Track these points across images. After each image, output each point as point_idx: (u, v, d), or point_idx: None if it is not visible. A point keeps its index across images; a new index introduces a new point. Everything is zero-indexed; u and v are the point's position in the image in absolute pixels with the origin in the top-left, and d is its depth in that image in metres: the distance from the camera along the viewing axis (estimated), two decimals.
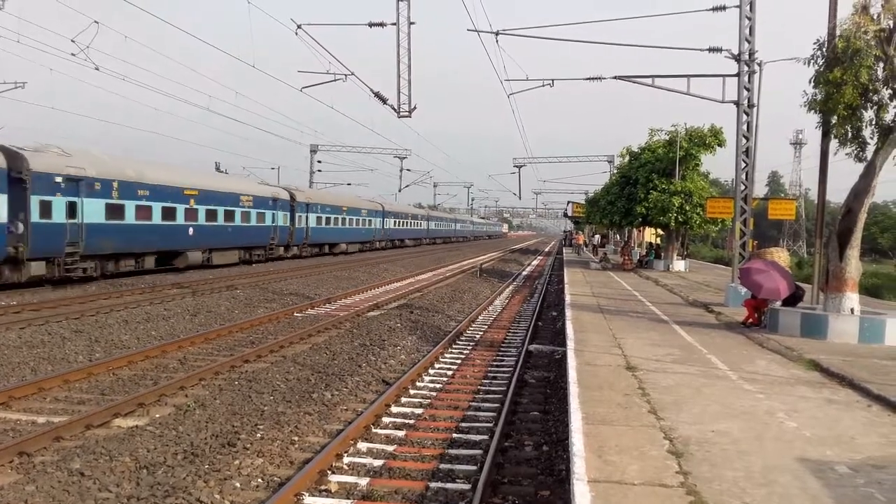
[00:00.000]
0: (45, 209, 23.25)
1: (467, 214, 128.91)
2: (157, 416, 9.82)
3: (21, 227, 22.32)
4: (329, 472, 7.83)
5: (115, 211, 26.80)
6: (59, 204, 23.86)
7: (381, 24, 21.99)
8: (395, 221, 71.54)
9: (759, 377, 10.22)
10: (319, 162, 69.22)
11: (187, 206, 32.27)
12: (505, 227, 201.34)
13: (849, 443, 7.09)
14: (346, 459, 8.30)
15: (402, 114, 22.37)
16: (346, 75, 25.52)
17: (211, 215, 34.36)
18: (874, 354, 12.15)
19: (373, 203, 65.33)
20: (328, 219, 51.00)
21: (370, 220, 63.51)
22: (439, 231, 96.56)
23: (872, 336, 13.43)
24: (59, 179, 23.84)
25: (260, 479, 7.63)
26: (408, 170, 73.02)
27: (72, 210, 24.42)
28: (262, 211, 40.05)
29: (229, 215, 36.21)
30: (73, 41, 23.46)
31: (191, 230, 32.65)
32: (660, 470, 6.07)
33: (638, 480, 5.80)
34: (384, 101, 23.07)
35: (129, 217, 27.75)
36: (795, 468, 6.24)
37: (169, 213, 30.65)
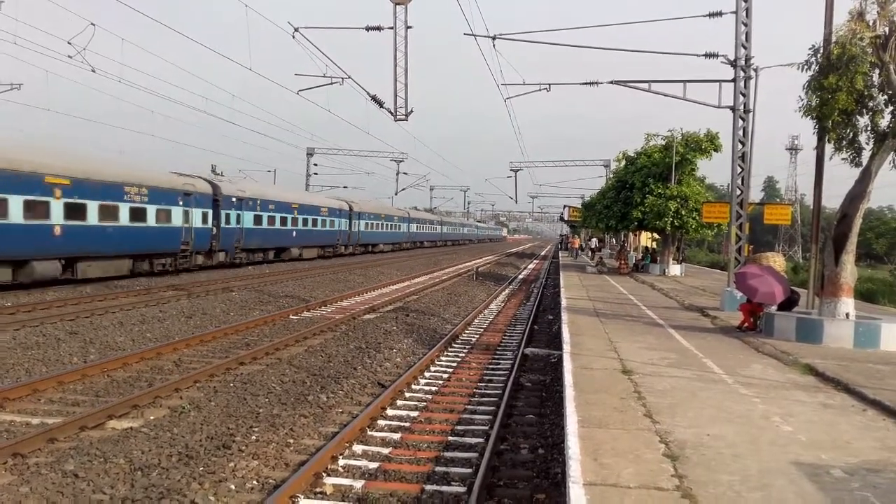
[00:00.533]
0: (227, 219, 35.89)
1: (462, 218, 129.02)
2: (152, 417, 9.79)
3: (214, 230, 34.53)
4: (324, 475, 7.82)
5: (258, 220, 39.92)
6: (233, 215, 36.60)
7: (379, 28, 22.01)
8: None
9: (755, 381, 10.24)
10: (316, 165, 69.26)
11: (293, 216, 45.28)
12: (505, 231, 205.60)
13: (844, 447, 7.10)
14: (341, 462, 8.29)
15: (398, 117, 22.38)
16: (342, 79, 25.54)
17: (305, 222, 47.21)
18: (869, 359, 12.17)
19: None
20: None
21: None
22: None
23: (868, 341, 13.45)
24: (233, 199, 36.58)
25: (255, 482, 7.62)
26: (404, 173, 73.10)
27: (238, 219, 37.12)
28: (333, 219, 53.41)
29: (314, 222, 49.18)
30: (69, 43, 23.42)
31: (294, 233, 45.76)
32: (655, 473, 6.07)
33: (633, 484, 5.80)
34: (381, 104, 23.08)
35: (265, 223, 40.92)
36: (791, 472, 6.25)
37: (283, 221, 43.70)
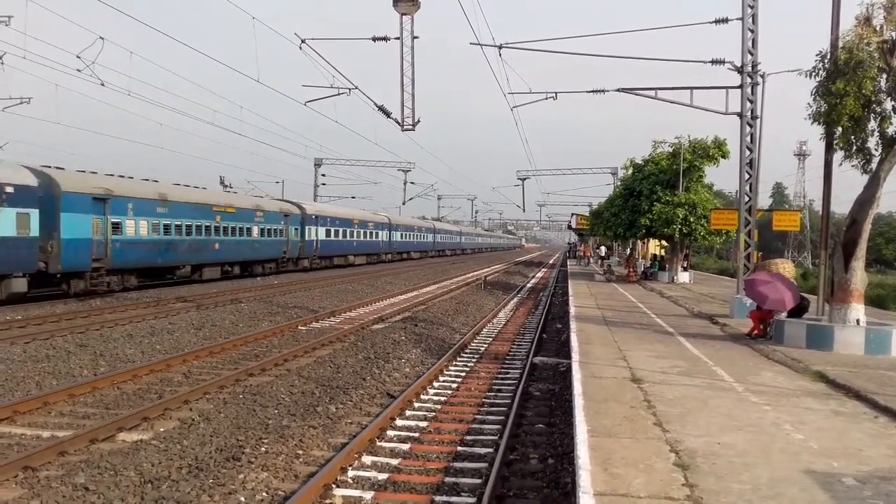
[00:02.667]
0: (310, 232, 47.78)
1: (479, 228, 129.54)
2: (162, 430, 9.81)
3: (299, 242, 46.03)
4: (334, 486, 7.81)
5: (328, 233, 51.35)
6: (312, 230, 48.27)
7: (385, 39, 22.03)
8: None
9: (766, 389, 10.18)
10: (324, 175, 69.45)
11: (353, 230, 56.79)
12: (523, 241, 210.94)
13: (856, 455, 7.05)
14: (350, 473, 8.28)
15: (405, 127, 22.36)
16: (349, 89, 25.58)
17: (360, 234, 58.15)
18: (880, 366, 12.09)
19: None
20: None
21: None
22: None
23: (879, 347, 13.37)
24: (314, 217, 48.74)
25: (265, 493, 7.61)
26: (412, 183, 73.22)
27: (315, 233, 48.60)
28: (378, 231, 62.84)
29: (366, 234, 59.64)
30: (78, 57, 23.59)
31: (354, 243, 57.16)
32: (666, 483, 6.04)
33: (644, 493, 5.77)
34: (388, 114, 23.11)
35: (332, 235, 52.21)
36: (802, 480, 6.20)
37: (345, 234, 54.58)
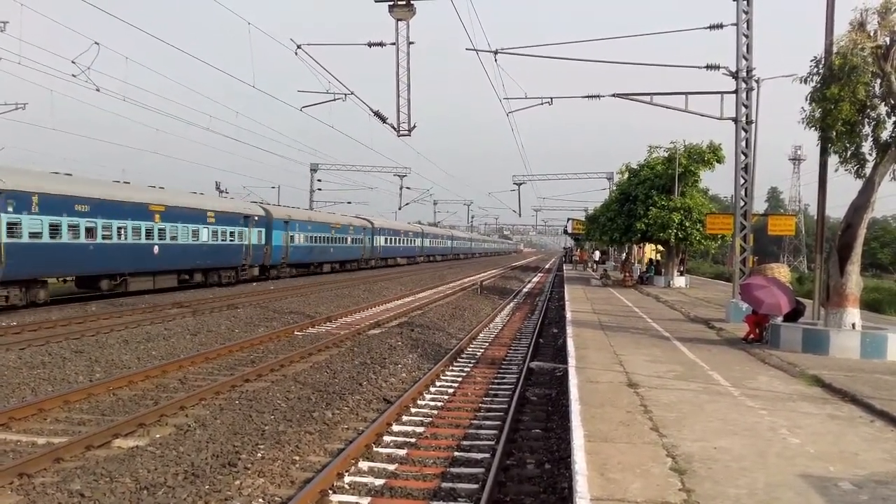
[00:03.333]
0: (376, 241, 62.97)
1: (465, 232, 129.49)
2: (158, 436, 9.79)
3: (369, 247, 61.30)
4: (330, 492, 7.80)
5: (386, 241, 65.64)
6: (376, 238, 63.76)
7: (381, 44, 22.04)
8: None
9: (762, 393, 10.20)
10: (319, 181, 69.43)
11: (406, 237, 71.46)
12: (521, 246, 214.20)
13: (852, 459, 7.06)
14: (347, 479, 8.26)
15: (401, 133, 22.38)
16: (345, 95, 25.59)
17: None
18: (876, 370, 12.11)
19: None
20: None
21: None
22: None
23: (874, 351, 13.40)
24: (377, 228, 63.75)
25: (261, 500, 7.60)
26: (408, 188, 73.19)
27: (375, 240, 62.90)
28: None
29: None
30: (73, 62, 23.57)
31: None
32: (662, 487, 6.04)
33: (641, 498, 5.78)
34: (384, 120, 23.12)
35: (387, 242, 65.60)
36: (799, 485, 6.21)
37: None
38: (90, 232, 26.47)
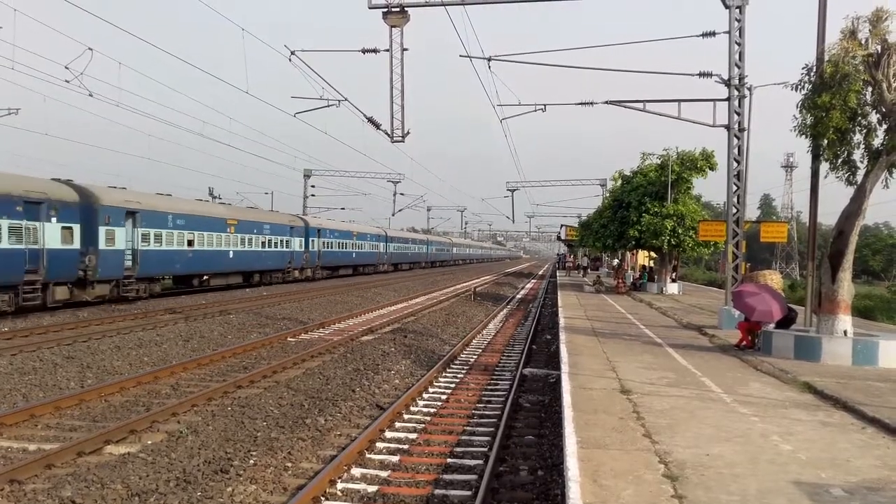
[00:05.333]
0: (388, 248, 71.13)
1: (461, 239, 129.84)
2: (150, 442, 9.75)
3: (384, 253, 70.16)
4: (323, 499, 7.78)
5: (397, 248, 73.95)
6: (389, 246, 71.87)
7: (375, 51, 22.07)
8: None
9: (754, 400, 10.22)
10: (313, 187, 69.37)
11: (414, 245, 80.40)
12: (522, 252, 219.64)
13: (844, 465, 7.08)
14: (339, 485, 8.25)
15: (395, 139, 22.39)
16: (339, 101, 25.61)
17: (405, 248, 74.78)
18: (868, 376, 12.16)
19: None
20: None
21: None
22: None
23: (866, 358, 13.45)
24: (390, 237, 73.10)
25: None
26: (401, 194, 73.22)
27: (388, 247, 70.80)
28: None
29: (416, 247, 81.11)
30: (66, 68, 23.51)
31: (423, 254, 79.00)
32: (655, 494, 6.05)
33: None
34: (377, 126, 23.12)
35: (396, 249, 71.13)
36: (791, 491, 6.23)
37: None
38: (190, 242, 33.98)
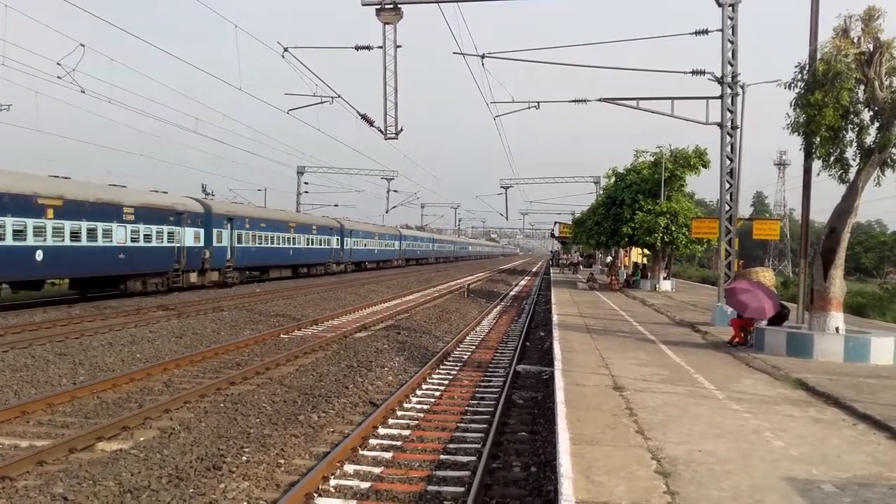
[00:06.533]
0: (402, 245, 79.66)
1: (452, 235, 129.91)
2: (142, 439, 9.73)
3: (399, 250, 77.83)
4: (316, 495, 7.77)
5: (409, 245, 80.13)
6: (402, 244, 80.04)
7: (368, 48, 22.00)
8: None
9: (746, 396, 10.25)
10: (307, 183, 69.31)
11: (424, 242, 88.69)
12: (518, 250, 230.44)
13: (835, 462, 7.11)
14: (332, 482, 8.24)
15: (388, 136, 22.34)
16: (332, 98, 25.57)
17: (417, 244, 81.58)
18: (859, 373, 12.21)
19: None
20: None
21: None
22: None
23: (858, 355, 13.50)
24: (404, 235, 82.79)
25: (246, 503, 7.56)
26: (395, 191, 73.29)
27: (402, 245, 79.00)
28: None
29: (426, 245, 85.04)
30: (58, 64, 23.41)
31: (431, 251, 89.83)
32: (647, 490, 6.07)
33: (625, 501, 5.80)
34: (371, 123, 23.07)
35: (413, 246, 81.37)
36: (782, 487, 6.25)
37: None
38: (269, 239, 43.14)
